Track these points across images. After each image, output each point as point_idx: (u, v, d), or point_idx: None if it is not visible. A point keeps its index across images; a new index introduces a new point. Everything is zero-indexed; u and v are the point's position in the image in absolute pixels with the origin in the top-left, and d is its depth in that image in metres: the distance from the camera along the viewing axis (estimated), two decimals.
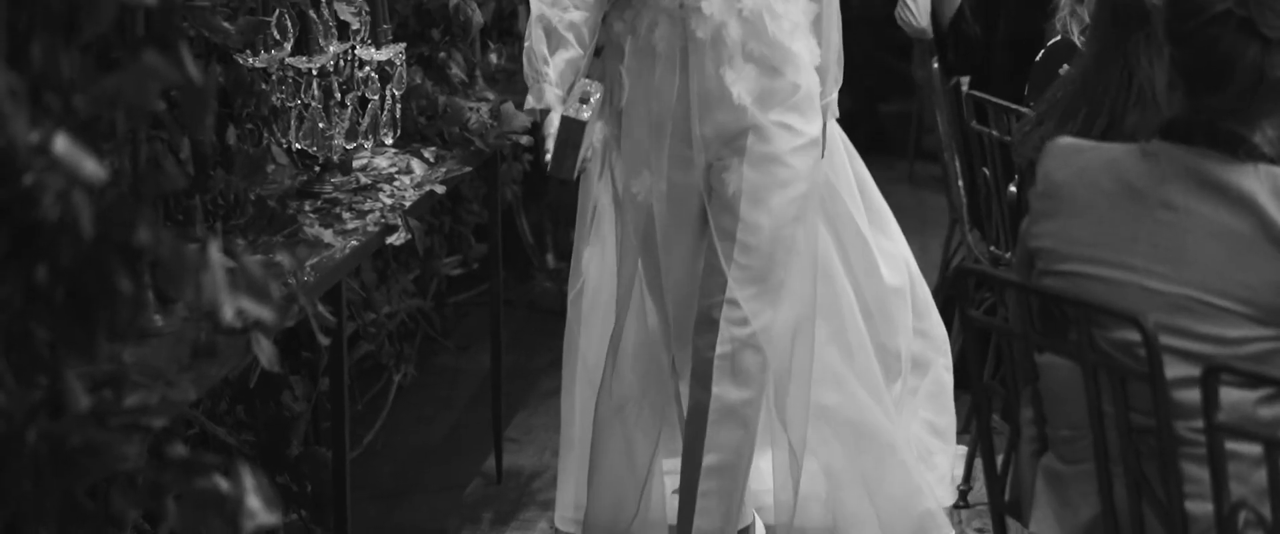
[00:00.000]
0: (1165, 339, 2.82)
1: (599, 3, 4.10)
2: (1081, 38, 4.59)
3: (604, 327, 4.26)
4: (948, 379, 4.58)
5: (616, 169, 4.18)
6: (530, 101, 4.08)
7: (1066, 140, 3.21)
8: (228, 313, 1.96)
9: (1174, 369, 2.83)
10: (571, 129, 3.92)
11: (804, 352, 4.11)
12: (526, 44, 4.08)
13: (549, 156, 3.97)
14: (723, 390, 4.00)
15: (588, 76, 4.08)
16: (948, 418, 4.59)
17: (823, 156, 4.27)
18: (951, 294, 4.92)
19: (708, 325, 4.04)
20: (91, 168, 1.85)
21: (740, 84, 4.04)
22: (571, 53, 4.06)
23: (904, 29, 6.02)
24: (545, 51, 4.04)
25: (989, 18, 5.44)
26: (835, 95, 4.44)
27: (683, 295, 4.15)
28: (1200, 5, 2.96)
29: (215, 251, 1.97)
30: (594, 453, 4.18)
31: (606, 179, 4.21)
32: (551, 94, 4.02)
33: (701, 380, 4.04)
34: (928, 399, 4.56)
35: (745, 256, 4.01)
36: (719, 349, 4.00)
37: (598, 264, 4.28)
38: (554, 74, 4.03)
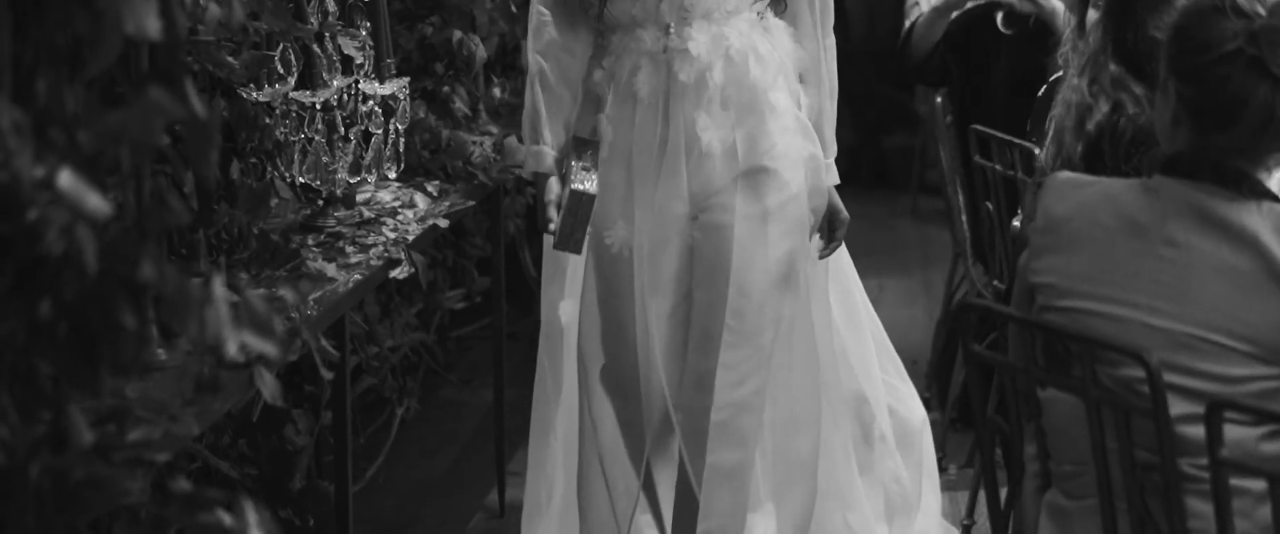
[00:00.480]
0: (1168, 377, 2.81)
1: (586, 50, 3.98)
2: None
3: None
4: (913, 417, 4.45)
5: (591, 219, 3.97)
6: (529, 165, 3.98)
7: (1066, 175, 3.20)
8: (231, 348, 1.96)
9: (1177, 406, 2.83)
10: (581, 203, 3.83)
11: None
12: (527, 101, 3.99)
13: (553, 226, 3.86)
14: (718, 457, 3.85)
15: (580, 134, 3.96)
16: (917, 456, 4.44)
17: (817, 228, 4.14)
18: (954, 328, 4.92)
19: (701, 389, 3.89)
20: (96, 203, 1.85)
21: (721, 132, 3.90)
22: (568, 112, 3.98)
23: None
24: (545, 113, 3.95)
25: (988, 54, 5.45)
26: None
27: (668, 354, 3.95)
28: (1210, 42, 2.95)
29: (219, 287, 1.97)
30: (582, 503, 4.04)
31: None
32: (550, 160, 3.93)
33: (696, 446, 3.88)
34: (896, 444, 4.39)
35: (737, 319, 3.86)
36: (715, 416, 3.84)
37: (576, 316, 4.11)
38: (552, 138, 3.94)
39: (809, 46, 4.10)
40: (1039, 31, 5.30)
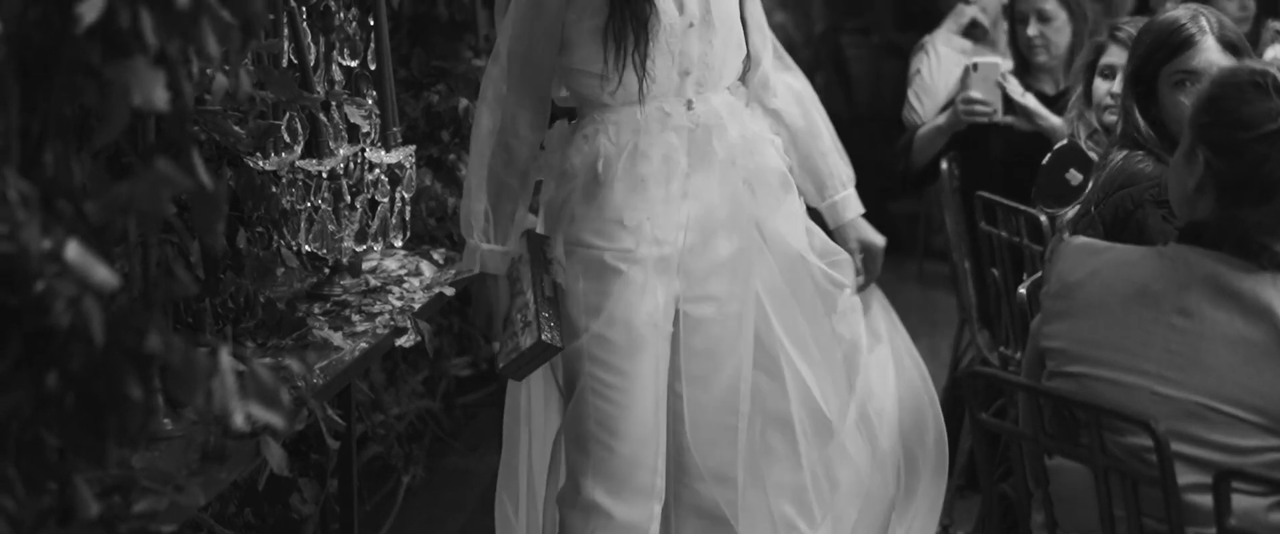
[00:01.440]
0: (1177, 446, 2.81)
1: (537, 132, 3.68)
2: (1088, 142, 4.60)
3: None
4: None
5: (573, 305, 3.63)
6: (470, 263, 3.66)
7: (1080, 240, 3.20)
8: (238, 419, 1.96)
9: (1186, 475, 2.82)
10: (545, 353, 3.56)
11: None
12: (467, 185, 3.67)
13: (497, 347, 3.65)
14: None
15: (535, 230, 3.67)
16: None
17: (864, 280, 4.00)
18: (960, 395, 4.91)
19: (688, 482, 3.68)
20: (103, 275, 1.86)
21: (790, 224, 3.75)
22: (515, 203, 3.68)
23: (909, 129, 6.06)
24: (486, 205, 3.65)
25: (986, 131, 5.46)
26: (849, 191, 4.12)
27: (641, 439, 3.61)
28: (1249, 119, 2.95)
29: (226, 357, 1.97)
30: None
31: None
32: (499, 261, 3.65)
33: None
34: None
35: (697, 411, 3.64)
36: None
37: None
38: (499, 233, 3.64)
39: (794, 70, 3.99)
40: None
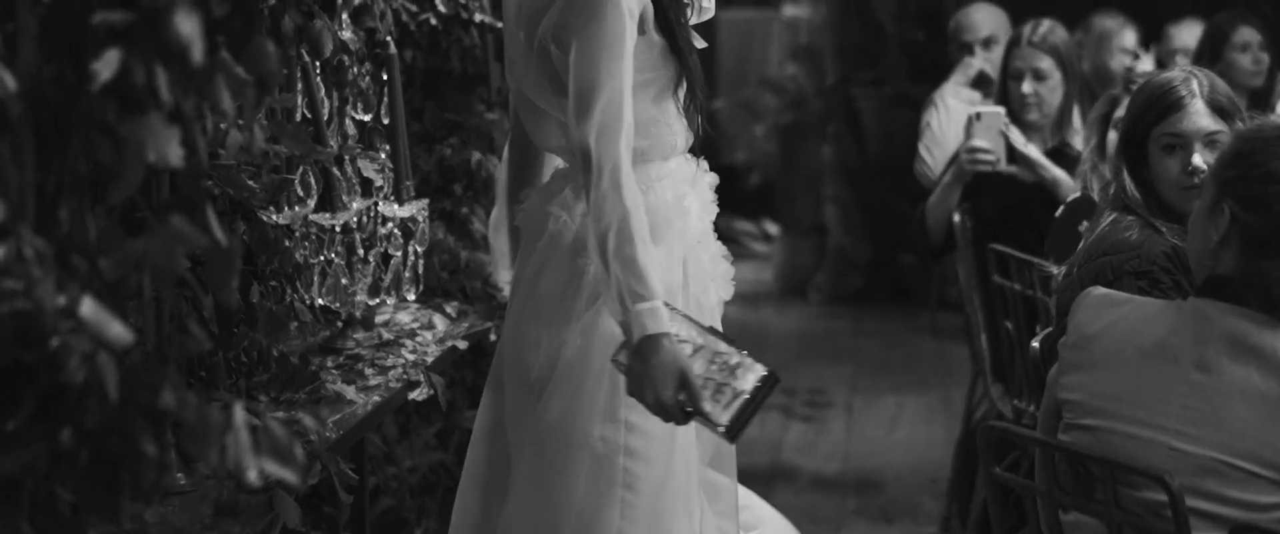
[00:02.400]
0: (1193, 502, 2.80)
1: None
2: (1102, 194, 4.60)
3: None
4: None
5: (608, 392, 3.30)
6: (641, 329, 3.07)
7: (1100, 292, 3.20)
8: (252, 475, 1.96)
9: (1201, 531, 2.81)
10: (769, 389, 3.15)
11: None
12: (627, 248, 3.09)
13: (724, 418, 3.13)
14: None
15: None
16: None
17: None
18: (975, 448, 4.91)
19: None
20: (117, 331, 1.86)
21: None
22: None
23: (921, 181, 6.08)
24: (647, 255, 3.12)
25: (992, 185, 5.48)
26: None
27: None
28: (1277, 174, 2.96)
29: (240, 413, 1.97)
30: None
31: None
32: (666, 317, 3.13)
33: None
34: None
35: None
36: None
37: None
38: (656, 285, 3.12)
39: None
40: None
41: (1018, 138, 5.39)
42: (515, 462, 3.40)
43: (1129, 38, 7.29)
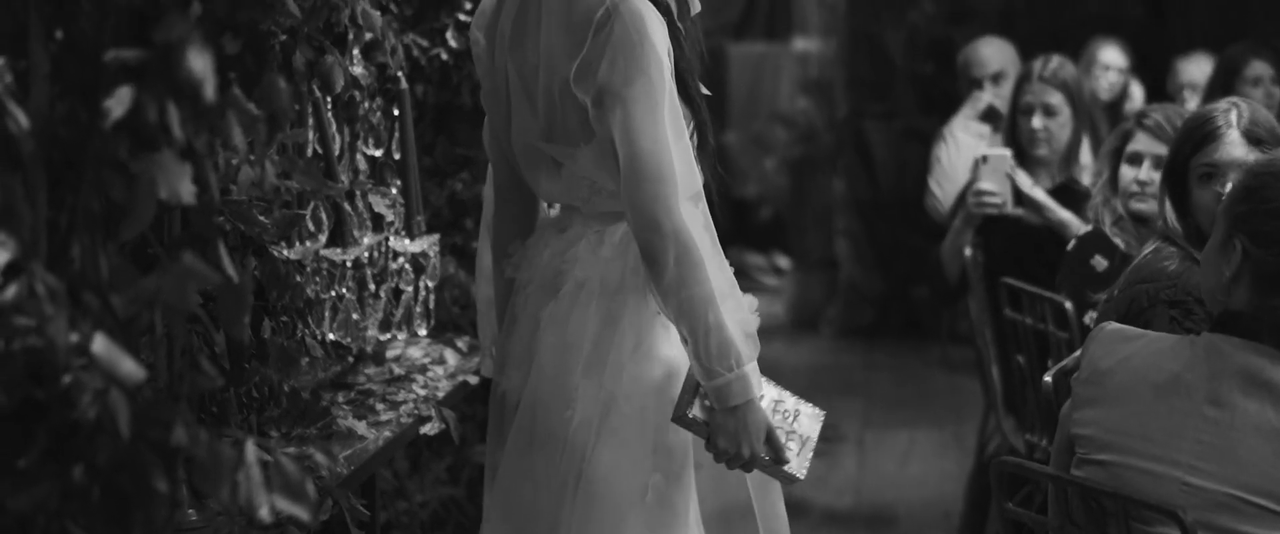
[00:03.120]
0: None
1: None
2: (1114, 228, 4.60)
3: None
4: None
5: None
6: (741, 394, 3.16)
7: (1113, 327, 3.19)
8: (264, 512, 1.96)
9: None
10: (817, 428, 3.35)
11: None
12: (705, 310, 3.11)
13: (792, 462, 3.28)
14: None
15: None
16: None
17: None
18: (987, 483, 4.90)
19: None
20: (129, 368, 1.86)
21: None
22: None
23: (931, 215, 6.08)
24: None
25: (1002, 223, 5.48)
26: None
27: None
28: None
29: (251, 450, 1.97)
30: None
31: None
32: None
33: None
34: None
35: None
36: None
37: None
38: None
39: None
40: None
41: (1025, 180, 5.40)
42: (557, 517, 3.35)
43: (1108, 54, 7.32)
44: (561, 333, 3.34)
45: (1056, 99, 5.47)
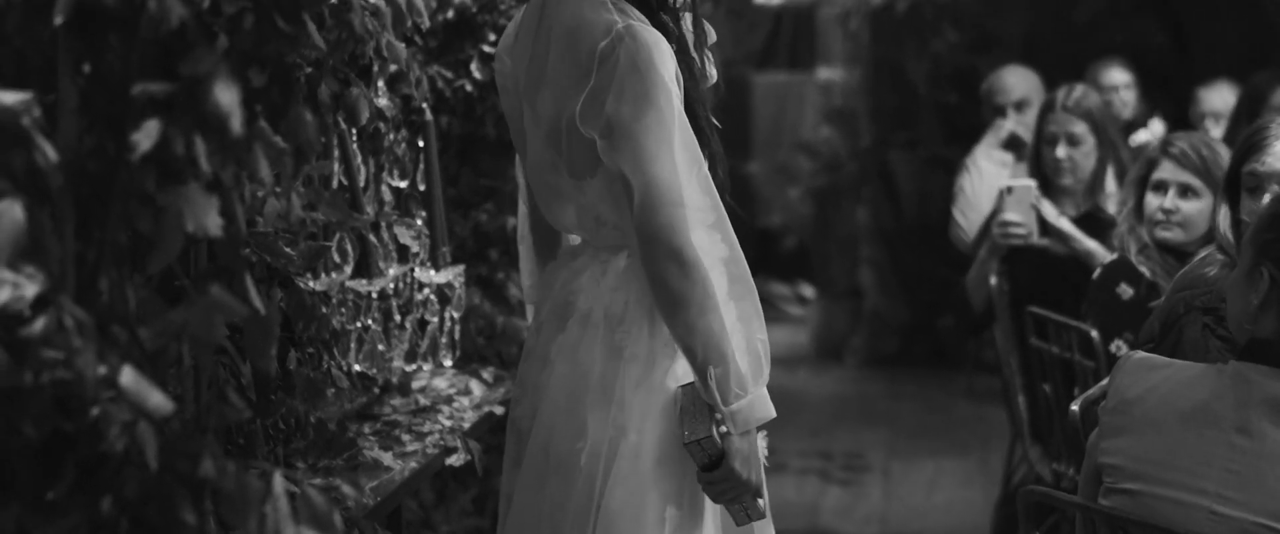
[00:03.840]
0: None
1: None
2: (1139, 256, 4.60)
3: None
4: None
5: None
6: (756, 416, 3.16)
7: (1140, 356, 3.19)
8: None
9: None
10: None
11: None
12: (712, 329, 3.10)
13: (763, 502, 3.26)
14: None
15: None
16: None
17: None
18: (1013, 512, 4.89)
19: None
20: (157, 400, 1.87)
21: None
22: None
23: (956, 245, 6.07)
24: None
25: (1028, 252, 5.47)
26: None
27: None
28: None
29: (279, 481, 1.97)
30: None
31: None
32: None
33: None
34: None
35: None
36: None
37: None
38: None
39: None
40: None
41: (1050, 211, 5.39)
42: None
43: (1112, 75, 7.33)
44: (570, 364, 3.32)
45: (1080, 128, 5.47)
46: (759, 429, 3.22)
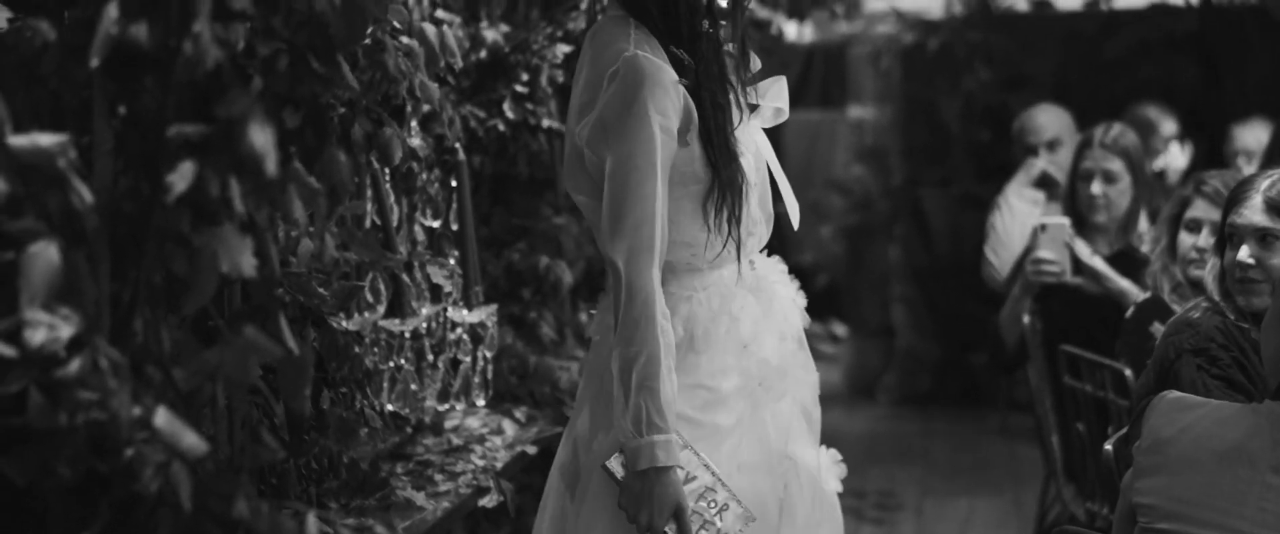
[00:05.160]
0: None
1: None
2: (1172, 295, 4.59)
3: None
4: None
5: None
6: (642, 460, 3.15)
7: (1174, 395, 3.18)
8: None
9: None
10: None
11: None
12: (647, 369, 3.12)
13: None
14: None
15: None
16: None
17: None
18: None
19: None
20: (191, 441, 1.87)
21: None
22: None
23: (988, 283, 6.06)
24: (669, 379, 3.17)
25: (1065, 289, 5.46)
26: None
27: None
28: None
29: (312, 522, 1.98)
30: None
31: None
32: (675, 452, 3.19)
33: None
34: None
35: None
36: None
37: None
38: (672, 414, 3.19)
39: None
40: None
41: (1083, 249, 5.38)
42: None
43: (1168, 127, 7.33)
44: (596, 383, 3.37)
45: (1117, 166, 5.46)
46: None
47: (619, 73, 3.14)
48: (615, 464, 3.20)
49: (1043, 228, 5.40)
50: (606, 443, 3.27)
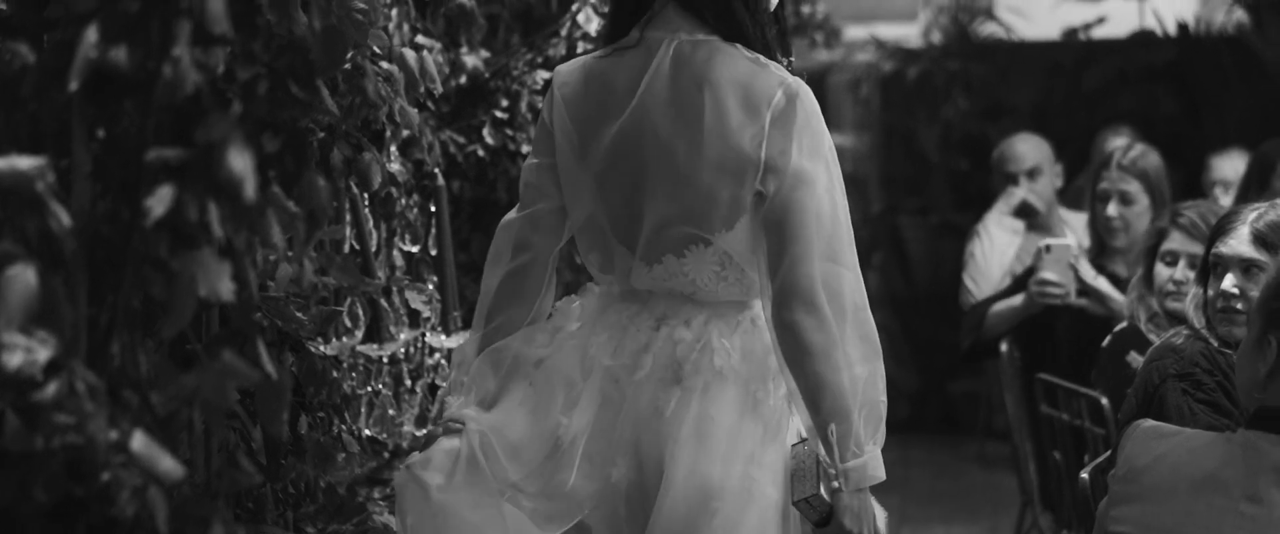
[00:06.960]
0: None
1: None
2: (1149, 325, 4.59)
3: None
4: None
5: None
6: (862, 477, 3.18)
7: (1149, 424, 3.18)
8: None
9: None
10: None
11: None
12: (836, 384, 3.14)
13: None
14: None
15: None
16: None
17: None
18: None
19: None
20: (168, 466, 1.87)
21: None
22: None
23: (963, 307, 6.07)
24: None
25: (1052, 312, 5.44)
26: None
27: None
28: None
29: None
30: None
31: None
32: None
33: None
34: None
35: None
36: None
37: None
38: None
39: None
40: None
41: (1088, 271, 5.36)
42: None
43: (1120, 143, 7.34)
44: (699, 423, 3.22)
45: (1134, 187, 5.44)
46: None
47: (799, 100, 3.11)
48: (823, 490, 3.13)
49: (1047, 249, 5.39)
50: (778, 465, 3.21)
